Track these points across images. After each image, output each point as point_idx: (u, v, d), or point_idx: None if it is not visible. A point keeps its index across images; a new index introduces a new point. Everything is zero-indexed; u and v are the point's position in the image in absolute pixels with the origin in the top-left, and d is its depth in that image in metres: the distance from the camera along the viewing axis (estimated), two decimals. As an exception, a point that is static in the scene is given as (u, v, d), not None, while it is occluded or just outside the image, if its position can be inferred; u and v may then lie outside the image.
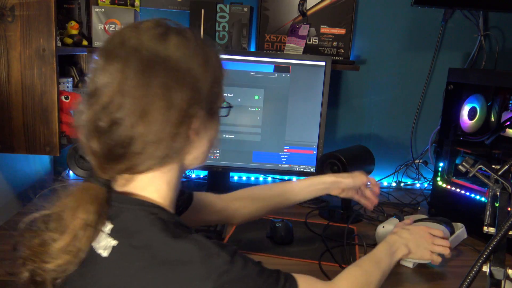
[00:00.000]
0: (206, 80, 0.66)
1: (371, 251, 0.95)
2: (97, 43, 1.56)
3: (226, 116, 0.77)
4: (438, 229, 1.11)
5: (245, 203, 1.07)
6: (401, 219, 1.21)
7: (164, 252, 0.60)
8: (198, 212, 1.00)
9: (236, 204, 1.06)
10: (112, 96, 0.61)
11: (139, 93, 0.61)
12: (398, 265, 1.17)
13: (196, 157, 0.71)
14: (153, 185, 0.68)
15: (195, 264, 0.58)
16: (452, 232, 1.19)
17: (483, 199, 1.33)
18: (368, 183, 1.15)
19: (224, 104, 0.75)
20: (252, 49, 1.74)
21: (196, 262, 0.59)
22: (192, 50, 0.65)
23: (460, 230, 1.22)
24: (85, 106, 0.64)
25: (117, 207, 0.65)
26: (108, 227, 0.64)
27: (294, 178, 1.83)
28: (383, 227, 1.23)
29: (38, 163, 1.66)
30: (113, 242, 0.62)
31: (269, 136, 1.53)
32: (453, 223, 1.23)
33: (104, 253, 0.63)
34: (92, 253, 0.64)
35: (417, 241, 1.03)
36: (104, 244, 0.63)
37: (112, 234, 0.63)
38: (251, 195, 1.08)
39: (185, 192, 0.97)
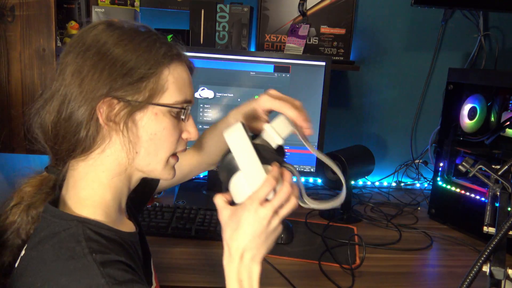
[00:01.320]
0: (132, 68, 0.63)
1: None
2: (97, 43, 1.56)
3: (183, 120, 0.69)
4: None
5: (192, 160, 0.96)
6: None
7: (53, 269, 0.57)
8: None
9: (187, 164, 0.96)
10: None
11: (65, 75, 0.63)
12: (396, 265, 1.17)
13: (142, 160, 0.66)
14: (80, 183, 0.66)
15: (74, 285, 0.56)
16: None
17: (483, 199, 1.33)
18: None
19: (178, 105, 0.66)
20: (252, 49, 1.74)
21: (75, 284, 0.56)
22: (116, 36, 0.64)
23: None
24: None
25: (42, 218, 0.65)
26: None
27: (294, 178, 1.83)
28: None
29: (38, 163, 1.66)
30: (23, 253, 0.63)
31: (269, 136, 1.53)
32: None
33: (16, 263, 0.64)
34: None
35: (259, 238, 0.64)
36: (20, 254, 0.64)
37: (27, 245, 0.64)
38: (194, 149, 0.97)
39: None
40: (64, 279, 0.56)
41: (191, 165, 0.96)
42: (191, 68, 0.72)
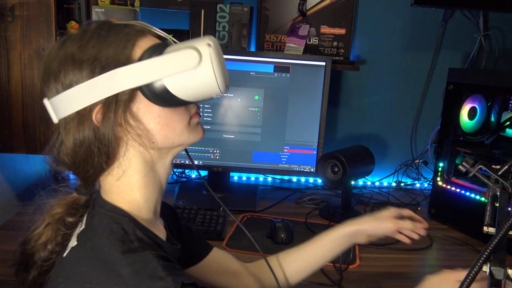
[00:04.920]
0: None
1: None
2: (97, 43, 1.56)
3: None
4: None
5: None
6: None
7: (112, 261, 0.57)
8: (209, 269, 0.90)
9: (257, 271, 0.92)
10: None
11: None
12: (396, 265, 1.17)
13: (164, 143, 0.66)
14: (114, 189, 0.66)
15: (131, 281, 0.56)
16: None
17: (483, 199, 1.33)
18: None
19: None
20: (252, 49, 1.74)
21: (132, 279, 0.56)
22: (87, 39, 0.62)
23: None
24: None
25: (94, 210, 0.65)
26: (81, 228, 0.64)
27: (294, 178, 1.83)
28: None
29: (38, 163, 1.66)
30: (74, 243, 0.62)
31: (269, 136, 1.53)
32: None
33: (65, 254, 0.63)
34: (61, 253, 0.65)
35: None
36: (70, 245, 0.63)
37: (78, 235, 0.63)
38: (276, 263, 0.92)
39: (202, 241, 0.91)
40: (125, 270, 0.56)
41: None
42: (160, 36, 0.67)
